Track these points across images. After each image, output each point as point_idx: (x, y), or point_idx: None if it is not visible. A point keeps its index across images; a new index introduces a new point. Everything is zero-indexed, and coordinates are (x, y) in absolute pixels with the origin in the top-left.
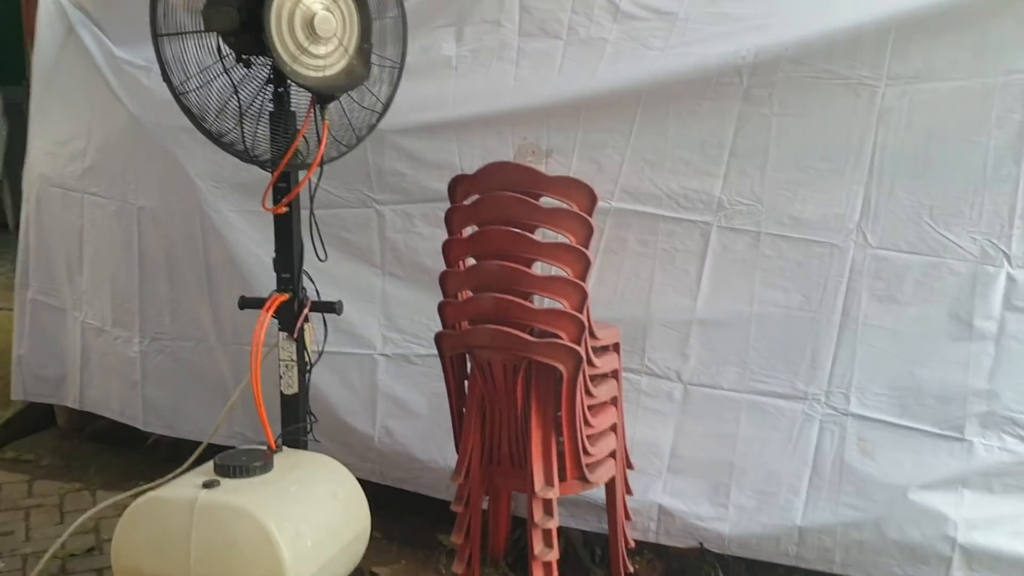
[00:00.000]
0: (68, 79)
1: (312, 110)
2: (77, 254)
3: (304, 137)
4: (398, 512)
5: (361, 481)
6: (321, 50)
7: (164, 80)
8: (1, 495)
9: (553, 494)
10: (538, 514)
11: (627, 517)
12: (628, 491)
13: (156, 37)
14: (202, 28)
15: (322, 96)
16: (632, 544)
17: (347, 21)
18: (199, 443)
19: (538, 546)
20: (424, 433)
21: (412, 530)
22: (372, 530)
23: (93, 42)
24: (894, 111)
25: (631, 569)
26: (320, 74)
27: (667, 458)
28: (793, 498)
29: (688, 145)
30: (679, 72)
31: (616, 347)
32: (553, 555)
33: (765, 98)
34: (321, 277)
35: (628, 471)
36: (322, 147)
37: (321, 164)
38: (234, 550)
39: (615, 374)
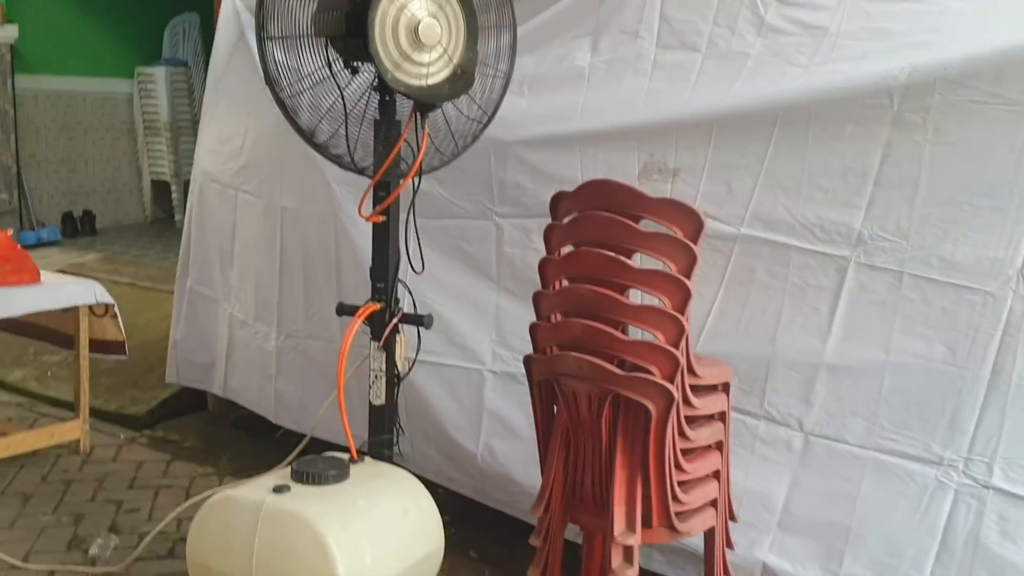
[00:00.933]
0: (235, 79)
1: (413, 118)
2: (229, 249)
3: (408, 144)
4: (501, 534)
5: (465, 499)
6: (425, 58)
7: (266, 84)
8: (140, 472)
9: (634, 541)
10: (616, 560)
11: (726, 572)
12: (729, 544)
13: (260, 41)
14: (311, 32)
15: (423, 105)
16: None
17: (453, 29)
18: (326, 440)
19: None
20: (525, 457)
21: (511, 555)
22: (469, 549)
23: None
24: None
25: None
26: (422, 82)
27: (778, 513)
28: (915, 575)
29: (828, 171)
30: (823, 91)
31: (725, 387)
32: None
33: (918, 123)
34: (437, 286)
35: (731, 522)
36: (420, 157)
37: (419, 174)
38: (293, 558)
39: (722, 416)
